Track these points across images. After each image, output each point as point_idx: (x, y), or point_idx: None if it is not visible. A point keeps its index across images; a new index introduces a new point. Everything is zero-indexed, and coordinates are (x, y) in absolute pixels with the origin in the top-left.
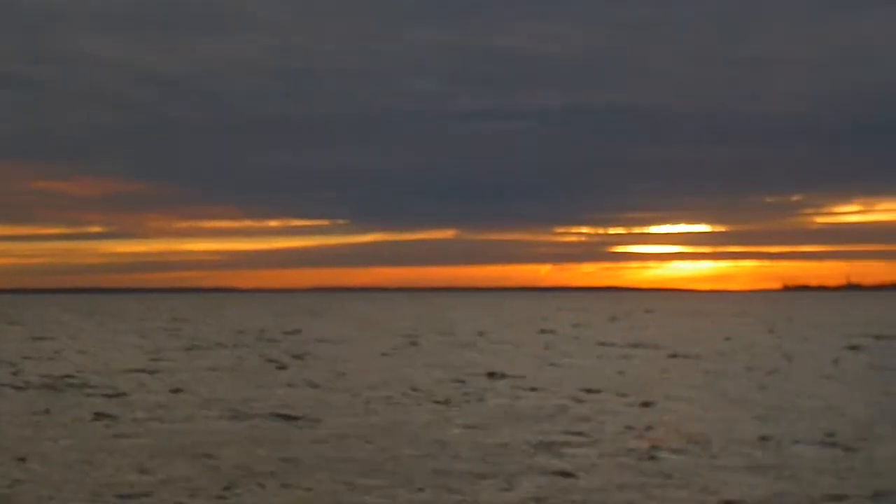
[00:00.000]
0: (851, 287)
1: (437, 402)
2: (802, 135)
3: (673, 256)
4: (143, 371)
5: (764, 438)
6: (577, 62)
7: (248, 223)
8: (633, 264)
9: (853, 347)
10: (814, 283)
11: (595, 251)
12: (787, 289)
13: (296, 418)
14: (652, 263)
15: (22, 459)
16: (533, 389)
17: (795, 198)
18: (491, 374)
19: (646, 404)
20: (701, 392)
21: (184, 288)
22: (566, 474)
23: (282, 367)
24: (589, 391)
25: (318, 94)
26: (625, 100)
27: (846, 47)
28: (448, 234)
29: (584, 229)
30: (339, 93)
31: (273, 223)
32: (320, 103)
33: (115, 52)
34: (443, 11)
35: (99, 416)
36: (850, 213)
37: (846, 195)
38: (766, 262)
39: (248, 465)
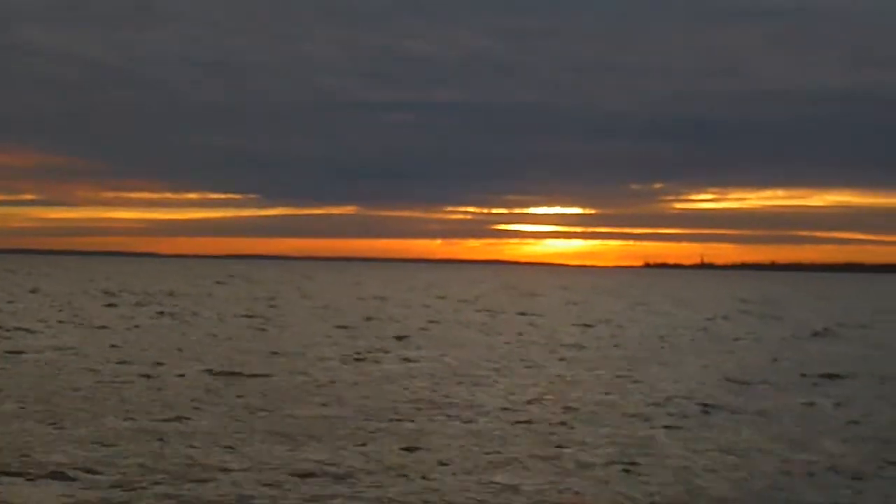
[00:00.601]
0: (705, 266)
1: (355, 361)
2: (665, 132)
3: (548, 235)
4: (65, 322)
5: (640, 406)
6: (469, 64)
7: (168, 195)
8: (514, 241)
9: (713, 318)
10: (671, 261)
11: (480, 228)
12: (647, 266)
13: (219, 374)
14: (530, 240)
15: None
16: (427, 351)
17: (657, 186)
18: (398, 338)
19: (530, 367)
20: (582, 358)
21: (109, 252)
22: (457, 436)
23: (201, 326)
24: (477, 356)
25: (237, 84)
26: (511, 98)
27: (709, 57)
28: (349, 210)
29: (471, 208)
30: (257, 83)
31: (191, 195)
32: (239, 92)
33: (55, 40)
34: (351, 17)
35: (25, 364)
36: (705, 200)
37: (701, 185)
38: (630, 242)
39: (152, 417)
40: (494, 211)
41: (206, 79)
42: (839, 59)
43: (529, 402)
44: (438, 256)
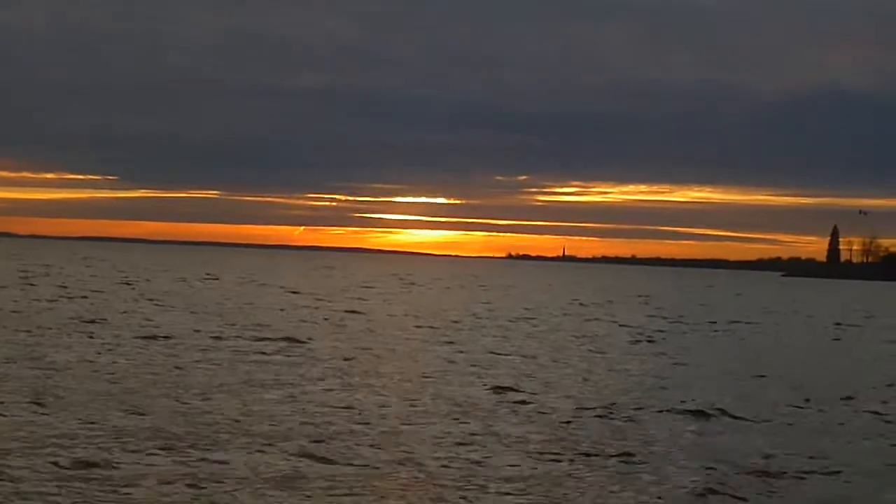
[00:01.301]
0: (567, 258)
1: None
2: (530, 124)
3: (413, 224)
4: None
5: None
6: (335, 49)
7: (26, 174)
8: (378, 230)
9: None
10: (534, 253)
11: (344, 216)
12: (510, 257)
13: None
14: (395, 229)
15: None
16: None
17: (521, 178)
18: (254, 326)
19: (394, 360)
20: (441, 351)
21: None
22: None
23: (65, 311)
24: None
25: (96, 62)
26: (376, 85)
27: (572, 50)
28: (212, 194)
29: (336, 196)
30: (117, 61)
31: (49, 175)
32: (98, 70)
33: None
34: None
35: None
36: (568, 193)
37: (565, 178)
38: (494, 233)
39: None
40: (359, 199)
41: (67, 57)
42: (699, 57)
43: (382, 404)
44: (301, 243)
